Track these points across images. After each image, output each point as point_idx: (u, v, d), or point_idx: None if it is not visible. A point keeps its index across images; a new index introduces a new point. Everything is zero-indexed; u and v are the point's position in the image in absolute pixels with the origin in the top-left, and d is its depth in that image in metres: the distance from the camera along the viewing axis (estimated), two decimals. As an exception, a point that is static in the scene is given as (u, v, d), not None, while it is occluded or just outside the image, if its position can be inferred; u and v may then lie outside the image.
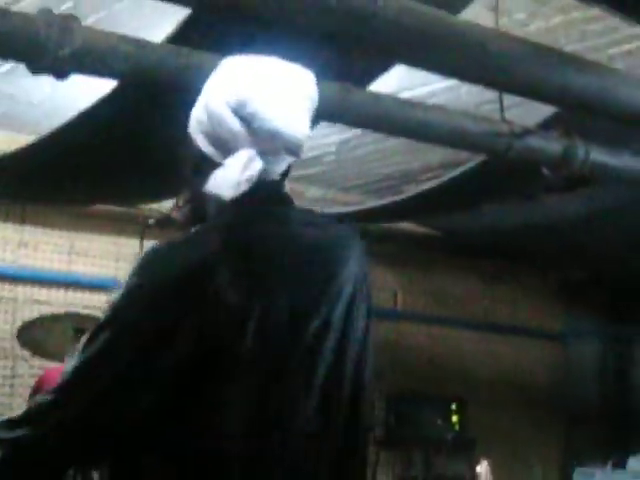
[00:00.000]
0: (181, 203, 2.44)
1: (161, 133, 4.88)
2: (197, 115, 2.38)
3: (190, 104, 2.64)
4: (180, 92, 3.80)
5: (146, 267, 2.15)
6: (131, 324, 2.09)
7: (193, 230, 2.30)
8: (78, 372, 2.08)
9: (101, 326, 2.09)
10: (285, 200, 2.40)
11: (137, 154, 5.44)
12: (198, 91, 2.84)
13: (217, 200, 2.32)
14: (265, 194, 2.35)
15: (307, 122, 2.30)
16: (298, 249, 2.29)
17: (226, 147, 2.30)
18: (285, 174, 2.40)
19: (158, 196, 6.58)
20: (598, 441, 9.67)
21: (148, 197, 6.73)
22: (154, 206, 6.81)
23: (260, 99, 2.26)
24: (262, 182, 2.30)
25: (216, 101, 2.30)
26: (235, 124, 2.29)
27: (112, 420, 2.10)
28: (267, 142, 2.28)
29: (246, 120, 2.26)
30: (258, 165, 2.27)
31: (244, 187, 2.27)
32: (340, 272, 2.31)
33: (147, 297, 2.10)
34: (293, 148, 2.29)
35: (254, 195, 2.30)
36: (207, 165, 2.32)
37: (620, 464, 8.38)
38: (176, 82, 3.97)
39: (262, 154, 2.28)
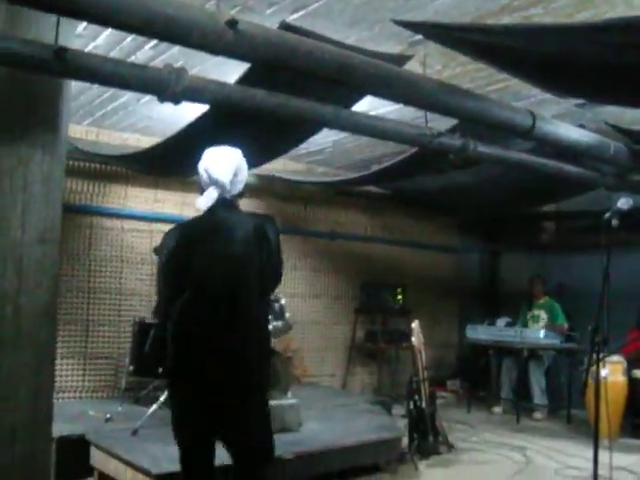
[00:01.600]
0: None
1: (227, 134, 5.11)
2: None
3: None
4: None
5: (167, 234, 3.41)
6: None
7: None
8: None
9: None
10: (231, 207, 3.31)
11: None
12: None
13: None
14: (217, 205, 3.22)
15: (229, 174, 3.22)
16: (216, 224, 3.27)
17: (202, 186, 3.29)
18: (239, 195, 3.34)
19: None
20: (479, 310, 9.81)
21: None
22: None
23: (211, 165, 3.22)
24: (219, 200, 3.22)
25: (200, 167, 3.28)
26: (205, 176, 3.25)
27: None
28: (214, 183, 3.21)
29: (207, 174, 3.23)
30: (214, 194, 3.20)
31: (209, 203, 3.21)
32: (238, 232, 3.24)
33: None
34: (220, 185, 3.20)
35: (211, 207, 3.22)
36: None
37: (492, 322, 8.85)
38: (241, 106, 4.12)
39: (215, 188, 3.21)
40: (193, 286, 3.20)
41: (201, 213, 3.32)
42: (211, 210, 3.24)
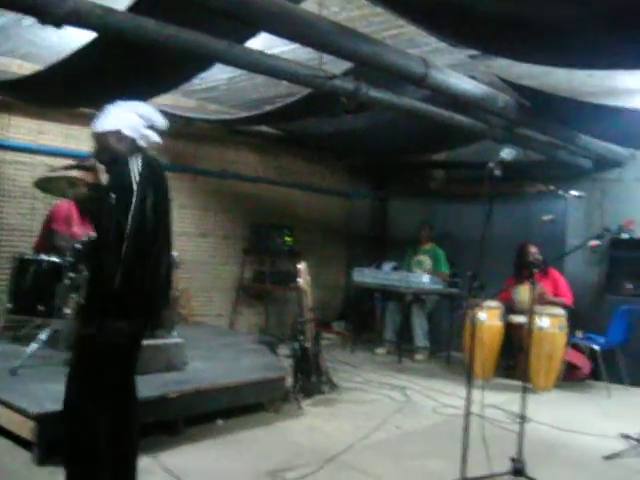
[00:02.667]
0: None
1: (117, 65, 4.80)
2: (125, 121, 3.28)
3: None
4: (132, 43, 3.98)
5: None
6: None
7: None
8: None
9: None
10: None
11: (102, 80, 5.17)
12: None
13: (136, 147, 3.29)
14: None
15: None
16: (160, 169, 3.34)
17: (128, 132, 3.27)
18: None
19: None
20: (367, 254, 10.04)
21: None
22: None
23: (147, 109, 3.38)
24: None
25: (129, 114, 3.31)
26: (141, 119, 3.30)
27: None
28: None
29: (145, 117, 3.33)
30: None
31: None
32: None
33: None
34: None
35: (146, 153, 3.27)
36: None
37: (378, 266, 9.08)
38: (130, 36, 3.90)
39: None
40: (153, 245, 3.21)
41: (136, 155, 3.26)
42: (148, 157, 3.28)
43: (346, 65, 5.12)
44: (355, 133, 7.50)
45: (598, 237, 5.21)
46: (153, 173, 3.26)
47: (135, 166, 3.19)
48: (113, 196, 3.12)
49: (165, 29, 3.90)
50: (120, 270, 3.00)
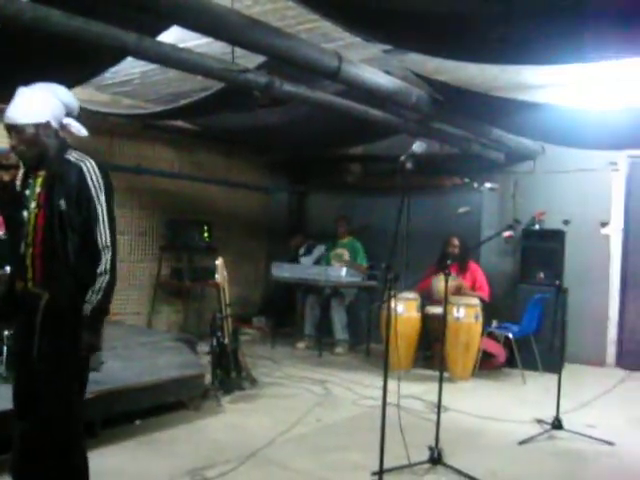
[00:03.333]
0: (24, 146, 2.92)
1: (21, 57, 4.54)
2: (53, 110, 2.95)
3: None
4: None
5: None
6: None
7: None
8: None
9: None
10: None
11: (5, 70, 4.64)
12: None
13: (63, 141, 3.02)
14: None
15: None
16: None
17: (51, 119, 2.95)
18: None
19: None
20: (286, 249, 9.89)
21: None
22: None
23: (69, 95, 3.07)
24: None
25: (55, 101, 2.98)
26: (65, 106, 3.02)
27: None
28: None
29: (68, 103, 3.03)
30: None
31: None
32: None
33: None
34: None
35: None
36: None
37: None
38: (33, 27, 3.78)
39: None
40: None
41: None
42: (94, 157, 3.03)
43: (260, 59, 5.10)
44: (272, 128, 7.49)
45: (509, 228, 5.36)
46: (105, 177, 2.98)
47: (92, 170, 2.93)
48: (62, 203, 2.87)
49: (72, 20, 3.80)
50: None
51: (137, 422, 4.89)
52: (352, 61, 4.89)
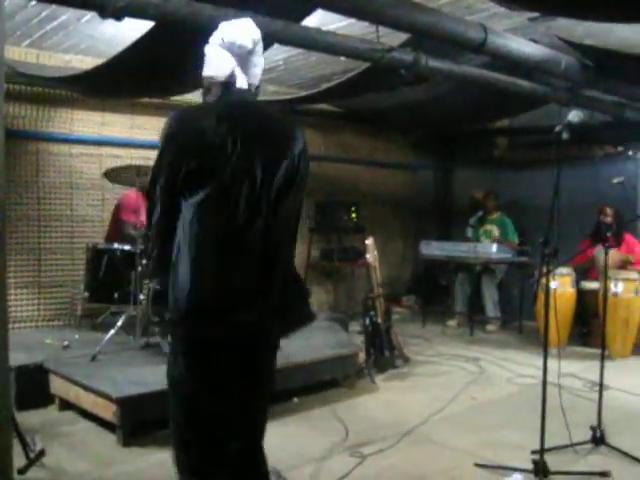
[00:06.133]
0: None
1: (177, 54, 4.70)
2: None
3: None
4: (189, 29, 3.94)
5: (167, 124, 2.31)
6: (167, 155, 2.28)
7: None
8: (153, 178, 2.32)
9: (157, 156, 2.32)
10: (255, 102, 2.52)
11: (163, 68, 5.24)
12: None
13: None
14: (236, 94, 2.41)
15: (251, 40, 2.39)
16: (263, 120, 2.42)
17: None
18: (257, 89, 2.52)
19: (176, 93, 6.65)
20: (433, 226, 10.07)
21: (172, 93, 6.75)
22: (178, 98, 6.86)
23: (227, 29, 2.39)
24: (238, 89, 2.41)
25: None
26: (217, 44, 2.39)
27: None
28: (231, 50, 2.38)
29: (222, 39, 2.38)
30: (232, 62, 2.39)
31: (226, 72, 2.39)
32: (288, 140, 2.44)
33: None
34: (240, 53, 2.39)
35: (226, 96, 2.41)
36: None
37: (445, 238, 9.02)
38: (187, 22, 3.94)
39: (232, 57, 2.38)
40: None
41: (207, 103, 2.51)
42: (227, 100, 2.42)
43: (404, 37, 5.10)
44: (415, 105, 7.43)
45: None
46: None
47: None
48: None
49: (221, 12, 3.90)
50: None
51: (295, 400, 5.01)
52: (497, 32, 4.75)
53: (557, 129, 3.54)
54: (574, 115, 3.56)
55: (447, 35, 4.37)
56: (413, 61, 5.08)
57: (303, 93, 7.41)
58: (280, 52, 6.52)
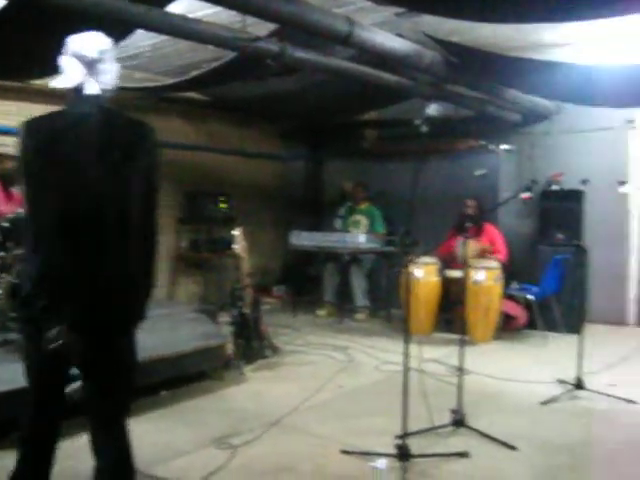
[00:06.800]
0: None
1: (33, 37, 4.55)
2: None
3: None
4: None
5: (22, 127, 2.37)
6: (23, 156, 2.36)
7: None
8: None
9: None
10: (102, 107, 2.56)
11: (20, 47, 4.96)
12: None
13: None
14: (83, 99, 2.50)
15: (98, 50, 2.52)
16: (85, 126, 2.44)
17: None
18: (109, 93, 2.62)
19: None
20: (304, 217, 10.07)
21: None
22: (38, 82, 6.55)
23: (74, 40, 2.51)
24: (85, 96, 2.50)
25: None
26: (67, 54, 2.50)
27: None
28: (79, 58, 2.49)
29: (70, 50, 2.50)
30: (79, 72, 2.50)
31: (74, 81, 2.49)
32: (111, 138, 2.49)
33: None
34: (87, 61, 2.50)
35: (74, 101, 2.51)
36: None
37: (315, 228, 9.09)
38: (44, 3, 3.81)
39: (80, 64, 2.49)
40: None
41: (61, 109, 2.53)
42: (76, 105, 2.50)
43: (271, 27, 5.05)
44: (285, 96, 7.47)
45: (526, 189, 5.30)
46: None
47: None
48: None
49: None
50: None
51: (162, 393, 4.94)
52: (364, 25, 4.83)
53: (416, 122, 3.66)
54: (433, 109, 3.70)
55: (313, 26, 4.38)
56: (279, 51, 5.08)
57: (171, 81, 7.27)
58: (147, 38, 6.40)
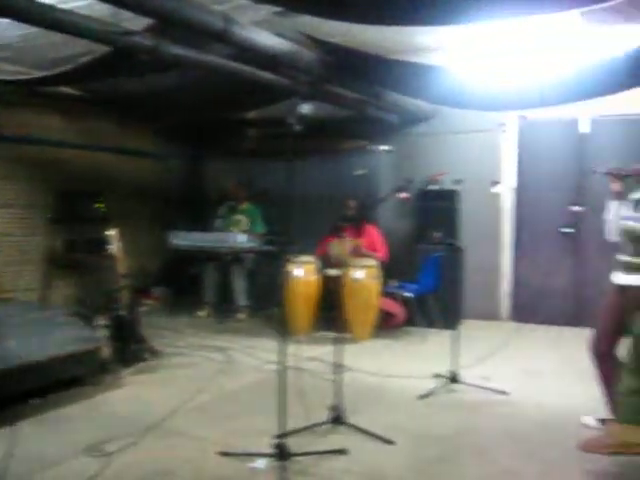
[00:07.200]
0: None
1: None
2: None
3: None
4: None
5: None
6: None
7: None
8: None
9: None
10: None
11: None
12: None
13: None
14: None
15: None
16: None
17: None
18: None
19: None
20: (184, 217, 9.91)
21: None
22: None
23: None
24: None
25: None
26: None
27: None
28: None
29: None
30: None
31: None
32: None
33: None
34: None
35: None
36: None
37: (195, 228, 8.97)
38: None
39: None
40: None
41: None
42: None
43: (144, 22, 4.90)
44: (165, 93, 7.31)
45: (400, 189, 5.44)
46: None
47: None
48: None
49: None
50: None
51: (32, 402, 4.73)
52: (240, 23, 4.80)
53: (290, 121, 3.69)
54: (306, 108, 3.72)
55: (189, 22, 4.32)
56: (153, 46, 4.97)
57: (44, 74, 6.92)
58: (18, 28, 6.15)
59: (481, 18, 4.57)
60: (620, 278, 4.10)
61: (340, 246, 6.39)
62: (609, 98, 5.81)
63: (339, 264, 7.13)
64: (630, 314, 3.79)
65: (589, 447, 3.54)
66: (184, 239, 8.38)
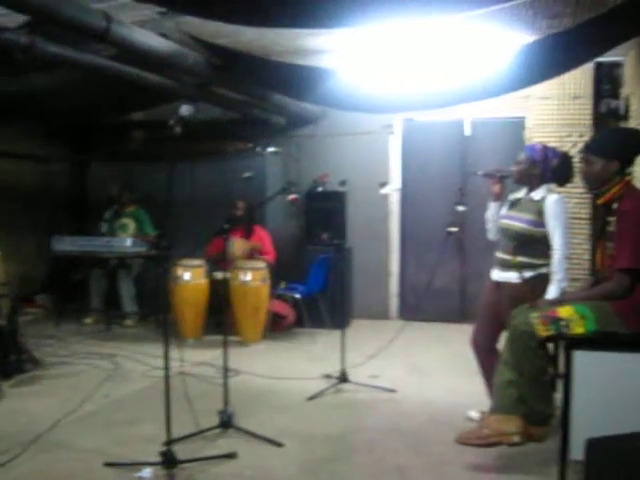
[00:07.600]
0: None
1: None
2: None
3: None
4: None
5: None
6: None
7: None
8: None
9: None
10: None
11: None
12: None
13: None
14: None
15: None
16: None
17: None
18: None
19: None
20: (68, 221, 9.71)
21: None
22: None
23: None
24: None
25: None
26: None
27: None
28: None
29: None
30: None
31: None
32: None
33: None
34: None
35: None
36: None
37: (80, 233, 8.72)
38: None
39: None
40: None
41: None
42: None
43: (23, 18, 4.76)
44: (45, 93, 7.02)
45: (282, 190, 5.46)
46: None
47: None
48: None
49: None
50: None
51: None
52: (123, 22, 4.70)
53: (170, 123, 3.65)
54: (185, 109, 3.69)
55: (67, 20, 4.17)
56: (29, 44, 4.77)
57: None
58: None
59: (368, 21, 4.62)
60: (497, 275, 4.27)
61: (236, 246, 6.35)
62: (489, 101, 6.02)
63: (232, 265, 7.09)
64: (506, 309, 3.94)
65: (465, 439, 3.66)
66: (68, 244, 8.11)
